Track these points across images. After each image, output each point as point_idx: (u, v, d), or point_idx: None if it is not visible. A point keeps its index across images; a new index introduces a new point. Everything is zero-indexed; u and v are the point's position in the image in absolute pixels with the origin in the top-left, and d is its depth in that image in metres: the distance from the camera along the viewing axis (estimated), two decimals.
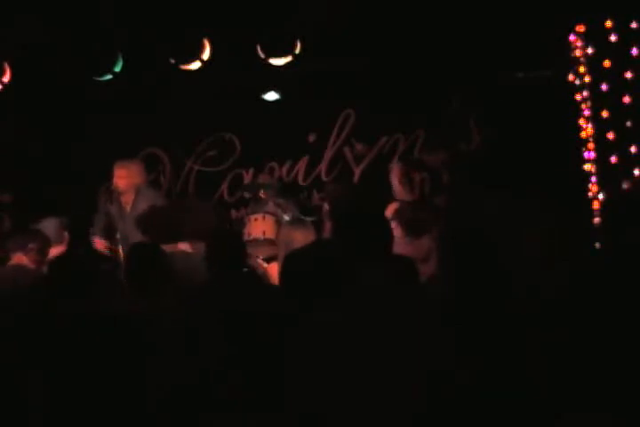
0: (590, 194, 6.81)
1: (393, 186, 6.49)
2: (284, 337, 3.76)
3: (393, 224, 5.27)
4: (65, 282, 4.24)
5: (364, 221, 3.57)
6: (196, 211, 6.34)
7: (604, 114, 6.79)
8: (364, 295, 3.14)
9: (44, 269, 5.87)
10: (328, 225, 6.31)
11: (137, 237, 7.01)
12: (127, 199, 7.31)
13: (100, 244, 7.22)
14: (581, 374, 3.36)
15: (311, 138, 8.70)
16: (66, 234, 6.81)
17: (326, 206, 6.48)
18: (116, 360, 3.90)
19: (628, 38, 6.71)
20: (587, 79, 6.91)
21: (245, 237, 7.16)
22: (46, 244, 6.04)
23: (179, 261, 5.38)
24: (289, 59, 7.42)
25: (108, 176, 7.35)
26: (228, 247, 4.84)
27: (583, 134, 6.98)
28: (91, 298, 4.06)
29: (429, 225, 5.85)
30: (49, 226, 6.59)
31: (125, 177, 7.23)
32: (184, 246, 5.85)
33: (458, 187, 6.90)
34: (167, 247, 5.50)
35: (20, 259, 5.88)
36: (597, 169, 6.84)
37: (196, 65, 7.57)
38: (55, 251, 6.24)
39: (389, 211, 6.07)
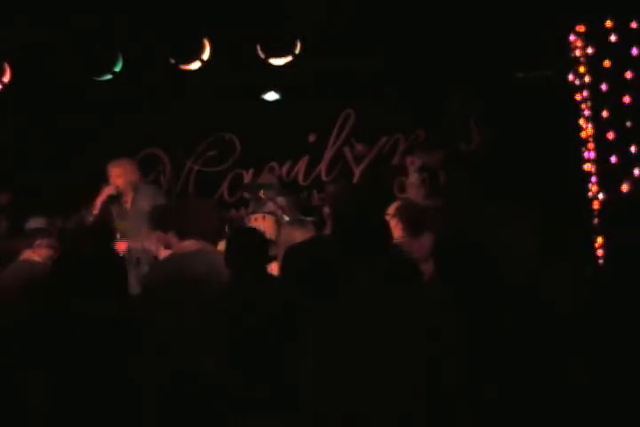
0: (590, 194, 6.81)
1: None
2: (284, 335, 3.77)
3: (394, 222, 5.28)
4: (65, 281, 4.23)
5: (363, 222, 3.57)
6: (198, 209, 6.33)
7: (604, 114, 6.79)
8: (361, 296, 3.14)
9: None
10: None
11: (138, 235, 7.03)
12: (126, 198, 7.33)
13: (122, 245, 7.14)
14: (581, 374, 3.36)
15: (311, 138, 8.70)
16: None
17: (327, 209, 6.44)
18: (117, 360, 3.90)
19: (628, 38, 6.71)
20: (587, 79, 6.91)
21: None
22: (55, 240, 6.07)
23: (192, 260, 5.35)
24: (289, 59, 7.43)
25: (107, 177, 7.35)
26: (249, 246, 4.70)
27: (583, 134, 6.98)
28: (91, 297, 4.06)
29: (430, 223, 5.85)
30: (36, 226, 6.62)
31: (122, 175, 7.26)
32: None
33: (456, 187, 6.91)
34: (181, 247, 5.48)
35: (28, 255, 5.92)
36: (597, 169, 6.84)
37: (195, 65, 7.58)
38: None
39: (391, 209, 6.07)
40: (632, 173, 6.66)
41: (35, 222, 6.75)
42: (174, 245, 5.55)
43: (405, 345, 3.02)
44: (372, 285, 3.15)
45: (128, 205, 7.31)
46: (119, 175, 7.26)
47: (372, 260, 3.19)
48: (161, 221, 5.67)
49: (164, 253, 6.30)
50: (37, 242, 5.95)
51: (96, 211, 7.11)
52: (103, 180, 7.37)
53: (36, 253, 5.92)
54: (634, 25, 6.69)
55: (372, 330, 3.05)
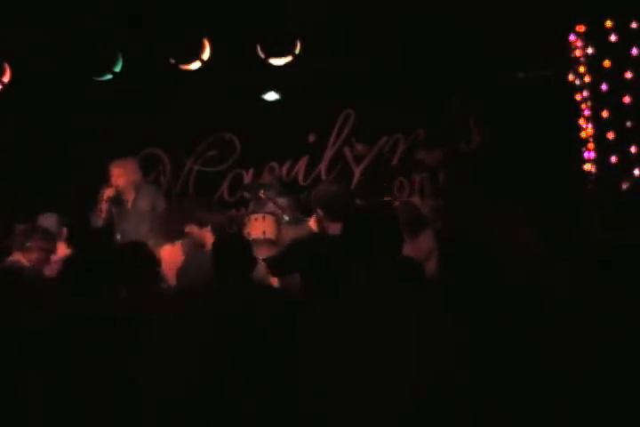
0: (590, 194, 6.82)
1: None
2: (283, 337, 3.76)
3: None
4: (66, 282, 4.23)
5: (364, 222, 3.57)
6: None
7: (604, 114, 6.80)
8: (361, 296, 3.14)
9: (46, 267, 5.87)
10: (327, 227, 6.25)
11: (138, 234, 7.03)
12: (128, 197, 7.32)
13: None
14: (581, 374, 3.36)
15: (311, 138, 8.70)
16: (64, 230, 6.83)
17: (320, 212, 6.37)
18: (117, 360, 3.90)
19: (628, 38, 6.72)
20: (587, 79, 6.92)
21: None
22: (49, 242, 6.01)
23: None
24: (289, 59, 7.43)
25: (108, 177, 7.34)
26: (233, 249, 4.70)
27: (583, 134, 6.98)
28: (91, 298, 4.06)
29: (427, 223, 5.85)
30: (47, 222, 6.60)
31: (123, 175, 7.25)
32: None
33: (456, 187, 6.91)
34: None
35: (17, 257, 5.87)
36: (597, 169, 6.85)
37: (196, 65, 7.58)
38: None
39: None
40: (632, 173, 6.67)
41: (46, 219, 6.72)
42: (208, 241, 5.53)
43: (405, 345, 3.02)
44: (373, 285, 3.15)
45: (129, 205, 7.31)
46: (120, 175, 7.26)
47: (374, 260, 3.19)
48: (199, 215, 5.65)
49: (166, 253, 6.30)
50: (28, 244, 5.88)
51: (103, 214, 7.12)
52: (103, 180, 7.36)
53: (26, 257, 5.86)
54: (634, 25, 6.70)
55: (372, 330, 3.05)
